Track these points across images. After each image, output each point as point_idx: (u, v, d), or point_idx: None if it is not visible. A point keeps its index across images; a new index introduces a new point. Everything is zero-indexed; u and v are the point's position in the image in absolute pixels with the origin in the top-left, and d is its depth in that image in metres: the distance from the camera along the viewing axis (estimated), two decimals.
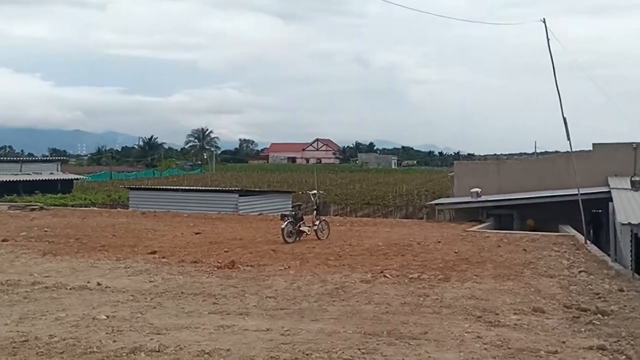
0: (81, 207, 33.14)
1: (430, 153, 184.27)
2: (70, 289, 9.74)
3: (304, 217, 16.65)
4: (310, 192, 17.56)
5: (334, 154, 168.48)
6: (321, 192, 21.72)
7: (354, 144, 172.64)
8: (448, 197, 40.51)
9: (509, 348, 6.58)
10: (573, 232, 18.16)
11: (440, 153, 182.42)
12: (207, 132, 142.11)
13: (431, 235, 16.96)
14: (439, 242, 15.55)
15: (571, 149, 17.20)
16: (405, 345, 6.65)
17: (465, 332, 7.16)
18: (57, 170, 47.35)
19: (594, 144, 24.67)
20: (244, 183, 66.51)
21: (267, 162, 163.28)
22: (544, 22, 16.59)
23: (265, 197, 30.79)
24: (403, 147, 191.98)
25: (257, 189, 44.82)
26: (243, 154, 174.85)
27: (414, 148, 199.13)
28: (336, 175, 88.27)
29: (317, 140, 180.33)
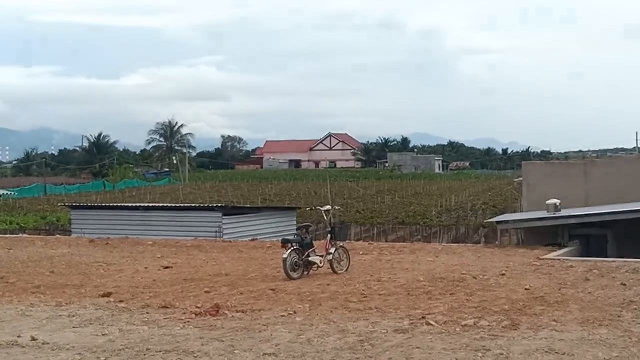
0: (6, 233, 33.41)
1: (490, 151, 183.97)
2: None
3: (315, 243, 16.70)
4: (323, 209, 17.57)
5: (353, 154, 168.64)
6: (337, 207, 21.73)
7: (382, 139, 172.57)
8: (515, 212, 40.37)
9: None
10: None
11: (504, 151, 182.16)
12: (177, 127, 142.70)
13: (492, 266, 16.96)
14: (503, 274, 15.55)
15: None
16: None
17: None
18: None
19: None
20: (230, 197, 66.75)
21: (262, 167, 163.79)
22: None
23: (260, 217, 30.84)
24: (451, 143, 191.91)
25: (248, 206, 45.03)
26: (227, 156, 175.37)
27: (466, 145, 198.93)
28: (358, 185, 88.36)
29: (330, 135, 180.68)
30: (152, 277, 16.16)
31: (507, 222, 25.25)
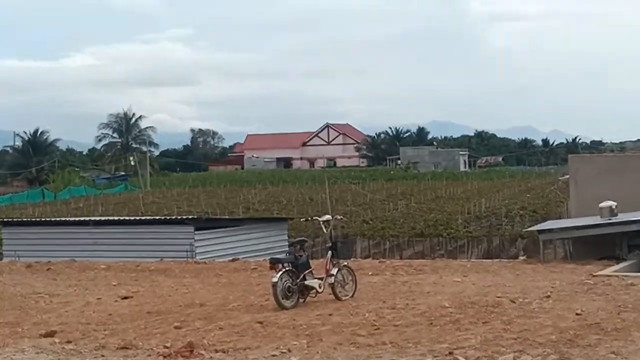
0: None
1: (527, 142, 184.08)
2: None
3: (312, 262, 16.71)
4: (321, 219, 17.58)
5: (357, 149, 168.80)
6: (339, 217, 21.74)
7: (392, 130, 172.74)
8: (560, 218, 40.40)
9: None
10: None
11: (545, 142, 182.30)
12: (134, 120, 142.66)
13: (534, 286, 17.01)
14: (548, 296, 15.60)
15: None
16: None
17: None
18: None
19: None
20: (204, 207, 66.69)
21: (242, 167, 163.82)
22: None
23: (242, 231, 30.84)
24: (479, 133, 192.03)
25: (227, 217, 44.98)
26: (198, 155, 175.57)
27: (498, 135, 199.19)
28: (363, 188, 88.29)
29: (327, 126, 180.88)
30: (107, 311, 16.14)
31: (550, 230, 25.27)
